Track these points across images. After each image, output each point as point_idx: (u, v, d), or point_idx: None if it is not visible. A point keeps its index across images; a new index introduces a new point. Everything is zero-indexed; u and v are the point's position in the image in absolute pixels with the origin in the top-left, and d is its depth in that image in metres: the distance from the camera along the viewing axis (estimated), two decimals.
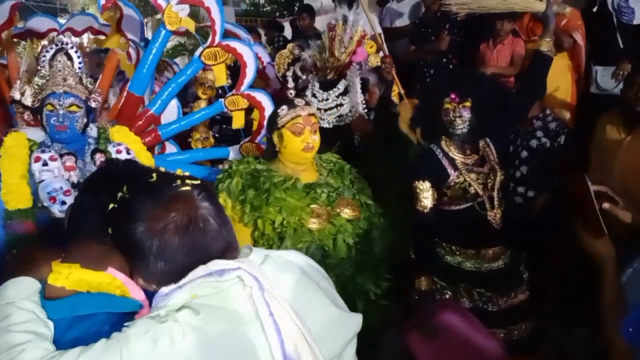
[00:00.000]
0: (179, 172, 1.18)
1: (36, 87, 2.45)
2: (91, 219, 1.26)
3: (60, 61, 2.39)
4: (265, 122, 3.12)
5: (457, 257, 2.55)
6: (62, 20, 3.51)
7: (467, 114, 2.46)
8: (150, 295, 1.17)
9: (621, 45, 4.10)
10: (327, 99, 3.19)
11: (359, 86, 3.22)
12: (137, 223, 1.07)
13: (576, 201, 1.54)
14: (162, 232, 1.06)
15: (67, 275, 1.24)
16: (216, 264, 1.07)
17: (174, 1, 2.74)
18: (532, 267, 2.68)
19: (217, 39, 2.89)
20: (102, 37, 3.36)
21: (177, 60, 5.00)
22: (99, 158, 2.43)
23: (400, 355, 1.97)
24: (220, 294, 1.06)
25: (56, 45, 2.50)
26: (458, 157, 2.52)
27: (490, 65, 4.38)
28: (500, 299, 2.51)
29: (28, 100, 2.42)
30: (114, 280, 1.25)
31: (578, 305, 2.47)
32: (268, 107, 3.06)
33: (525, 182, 3.39)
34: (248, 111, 3.20)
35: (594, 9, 4.22)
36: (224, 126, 4.04)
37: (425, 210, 2.48)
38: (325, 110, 3.19)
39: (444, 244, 2.57)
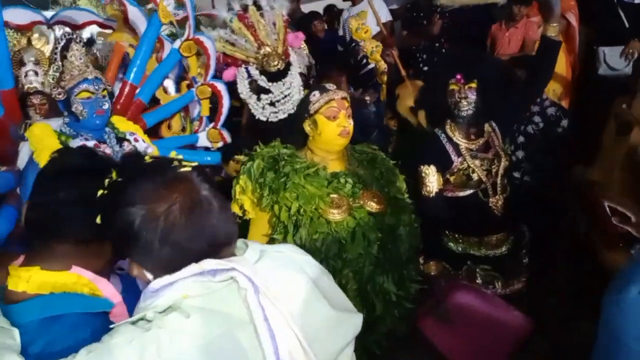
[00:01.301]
0: (172, 154, 1.14)
1: (51, 79, 2.45)
2: (50, 217, 1.20)
3: (76, 49, 2.40)
4: (224, 110, 3.19)
5: (460, 244, 2.56)
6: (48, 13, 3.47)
7: (472, 96, 2.43)
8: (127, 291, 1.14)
9: (627, 25, 4.08)
10: (284, 87, 2.96)
11: (297, 71, 3.05)
12: (137, 206, 0.99)
13: (595, 221, 1.56)
14: (166, 214, 0.99)
15: (28, 279, 1.17)
16: (209, 263, 1.01)
17: None
18: (532, 253, 2.68)
19: (192, 33, 3.12)
20: (109, 31, 3.43)
21: None
22: (128, 146, 2.48)
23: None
24: (213, 295, 1.00)
25: (65, 36, 2.51)
26: (462, 142, 2.49)
27: (502, 51, 4.34)
28: (500, 283, 2.52)
29: (54, 92, 2.43)
30: (80, 279, 1.21)
31: (578, 296, 2.51)
32: (225, 96, 3.28)
33: (521, 167, 3.39)
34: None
35: None
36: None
37: (431, 195, 2.45)
38: (283, 98, 2.95)
39: (447, 232, 2.58)
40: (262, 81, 2.85)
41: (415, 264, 2.26)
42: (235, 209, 2.05)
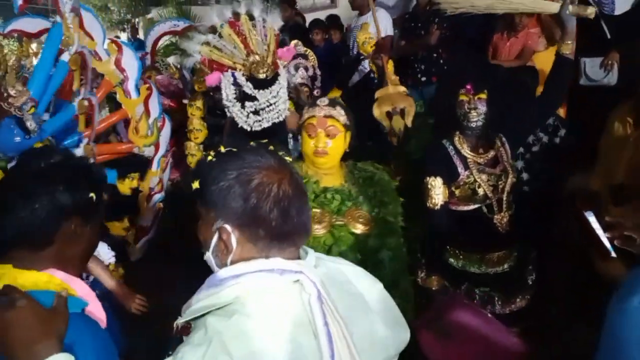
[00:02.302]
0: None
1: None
2: (14, 223, 1.22)
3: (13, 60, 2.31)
4: (95, 124, 3.08)
5: (460, 260, 2.51)
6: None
7: (482, 107, 2.38)
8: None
9: (608, 36, 4.14)
10: (270, 95, 2.79)
11: (286, 81, 2.93)
12: (255, 170, 1.07)
13: (582, 232, 1.53)
14: (279, 183, 1.07)
15: (0, 276, 1.20)
16: (277, 262, 1.06)
17: (67, 7, 2.83)
18: (538, 267, 2.62)
19: (79, 47, 2.94)
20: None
21: (171, 59, 4.98)
22: None
23: None
24: (277, 295, 1.05)
25: None
26: (470, 155, 2.45)
27: (499, 58, 4.38)
28: (502, 302, 2.47)
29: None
30: (52, 279, 1.23)
31: (584, 306, 2.48)
32: (95, 112, 3.10)
33: (520, 178, 3.39)
34: None
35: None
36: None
37: (436, 208, 2.41)
38: (268, 107, 2.80)
39: (448, 247, 2.52)
40: (248, 88, 2.71)
41: (399, 291, 2.13)
42: None
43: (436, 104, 2.62)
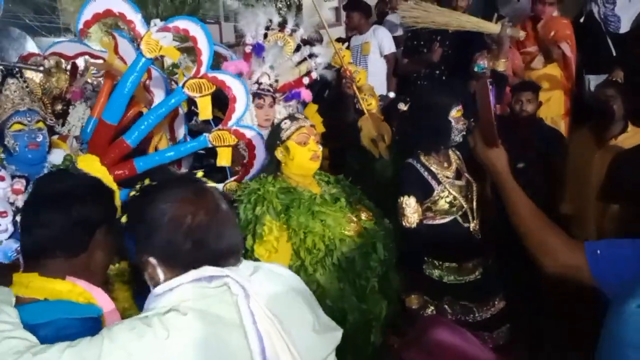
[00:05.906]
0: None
1: None
2: (52, 234, 1.30)
3: (13, 83, 2.39)
4: (255, 161, 2.74)
5: (437, 270, 2.55)
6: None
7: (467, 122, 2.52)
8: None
9: (614, 53, 4.16)
10: None
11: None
12: (168, 204, 1.13)
13: (478, 106, 1.49)
14: (193, 214, 1.13)
15: (27, 285, 1.28)
16: (206, 270, 1.12)
17: (154, 29, 2.55)
18: (511, 272, 2.72)
19: (203, 70, 2.58)
20: (101, 61, 3.46)
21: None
22: None
23: None
24: (207, 300, 1.11)
25: (2, 71, 2.50)
26: (439, 170, 2.53)
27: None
28: (482, 309, 2.54)
29: None
30: (74, 288, 1.30)
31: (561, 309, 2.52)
32: (259, 145, 2.70)
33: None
34: None
35: (581, 20, 4.30)
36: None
37: (412, 226, 2.45)
38: None
39: (426, 258, 2.56)
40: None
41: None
42: (261, 251, 2.10)
43: (415, 125, 2.57)
